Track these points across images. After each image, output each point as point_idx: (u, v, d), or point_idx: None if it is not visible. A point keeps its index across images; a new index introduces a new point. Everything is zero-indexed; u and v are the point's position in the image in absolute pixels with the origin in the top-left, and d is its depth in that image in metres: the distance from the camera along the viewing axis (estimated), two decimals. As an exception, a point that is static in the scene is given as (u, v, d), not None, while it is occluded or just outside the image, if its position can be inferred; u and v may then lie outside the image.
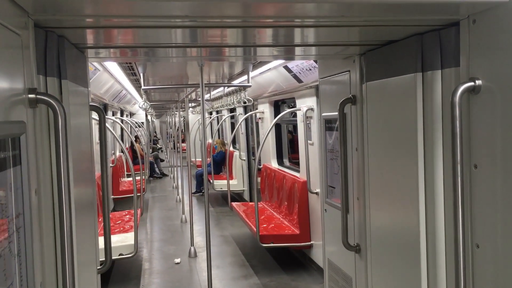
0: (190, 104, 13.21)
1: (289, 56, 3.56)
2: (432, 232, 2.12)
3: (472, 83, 1.74)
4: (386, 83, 2.41)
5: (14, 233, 1.31)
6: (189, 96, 9.57)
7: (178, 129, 14.67)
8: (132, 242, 5.69)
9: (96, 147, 2.54)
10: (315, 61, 4.55)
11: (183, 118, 13.39)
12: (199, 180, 12.57)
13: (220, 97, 10.51)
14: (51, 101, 1.54)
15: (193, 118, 16.59)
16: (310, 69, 5.21)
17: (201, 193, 12.28)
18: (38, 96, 1.53)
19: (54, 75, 1.81)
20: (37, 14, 1.61)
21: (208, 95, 11.06)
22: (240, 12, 1.82)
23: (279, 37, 2.40)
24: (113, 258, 3.88)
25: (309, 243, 6.28)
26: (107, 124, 3.85)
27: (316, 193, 5.94)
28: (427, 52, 2.09)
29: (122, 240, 5.94)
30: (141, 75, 5.52)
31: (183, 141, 15.61)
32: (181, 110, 12.83)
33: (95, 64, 5.50)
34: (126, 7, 1.69)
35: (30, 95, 1.52)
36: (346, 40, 2.49)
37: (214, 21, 1.91)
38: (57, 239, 1.73)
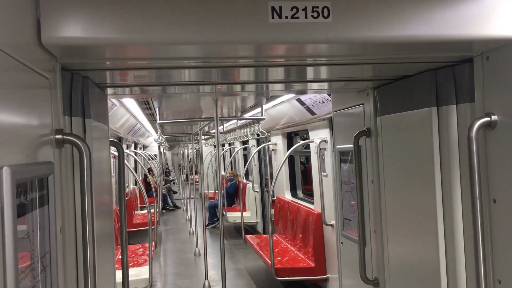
0: (203, 137, 13.29)
1: (302, 91, 3.61)
2: (452, 267, 2.10)
3: (488, 118, 1.76)
4: (401, 116, 2.43)
5: (41, 272, 1.33)
6: (202, 129, 9.65)
7: (190, 161, 14.72)
8: (147, 276, 5.66)
9: (112, 180, 2.58)
10: (328, 94, 4.59)
11: (195, 150, 13.45)
12: (212, 212, 12.53)
13: (233, 130, 10.58)
14: (77, 141, 1.59)
15: (206, 150, 16.66)
16: (323, 102, 5.26)
17: (214, 225, 12.21)
18: (65, 137, 1.58)
19: (78, 114, 1.87)
20: (65, 58, 1.68)
21: (221, 127, 11.13)
22: (253, 53, 1.87)
23: (292, 74, 2.45)
24: (128, 292, 3.85)
25: (325, 276, 6.18)
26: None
27: (331, 225, 5.89)
28: (442, 87, 2.11)
29: (136, 274, 5.91)
30: (157, 109, 5.60)
31: (195, 172, 15.63)
32: (194, 142, 12.91)
33: (113, 99, 5.61)
34: (143, 51, 1.75)
35: (57, 136, 1.57)
36: (360, 76, 2.53)
37: (227, 61, 1.96)
38: (80, 275, 1.75)
